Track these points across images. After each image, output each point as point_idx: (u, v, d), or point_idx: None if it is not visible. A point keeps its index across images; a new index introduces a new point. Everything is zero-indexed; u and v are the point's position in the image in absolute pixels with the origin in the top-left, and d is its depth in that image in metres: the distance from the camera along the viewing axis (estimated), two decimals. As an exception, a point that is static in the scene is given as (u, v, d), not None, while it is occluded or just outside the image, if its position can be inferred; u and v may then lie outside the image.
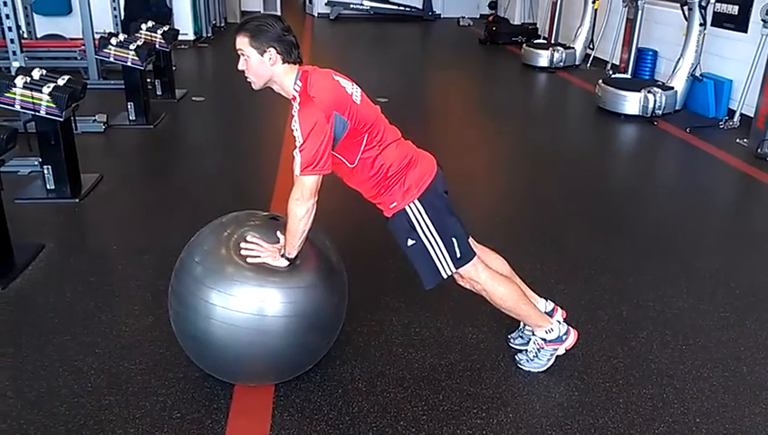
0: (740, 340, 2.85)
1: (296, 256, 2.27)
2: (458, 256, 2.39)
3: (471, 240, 2.60)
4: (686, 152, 5.83)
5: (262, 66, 2.26)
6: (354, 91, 2.34)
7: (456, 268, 2.41)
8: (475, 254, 2.45)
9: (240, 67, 2.30)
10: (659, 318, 3.01)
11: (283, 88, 2.30)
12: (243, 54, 2.26)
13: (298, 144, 2.17)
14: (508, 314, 2.56)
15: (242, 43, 2.24)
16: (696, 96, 6.74)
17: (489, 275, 2.47)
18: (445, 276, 2.41)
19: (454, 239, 2.39)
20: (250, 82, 2.33)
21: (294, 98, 2.23)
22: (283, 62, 2.26)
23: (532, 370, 2.58)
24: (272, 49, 2.23)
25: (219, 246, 2.30)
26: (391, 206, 2.38)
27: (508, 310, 2.52)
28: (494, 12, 13.61)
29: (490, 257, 2.64)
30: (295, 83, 2.25)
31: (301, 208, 2.17)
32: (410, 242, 2.38)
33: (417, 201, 2.36)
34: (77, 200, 4.13)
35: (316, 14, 14.94)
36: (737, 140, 5.82)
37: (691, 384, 2.55)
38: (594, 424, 2.32)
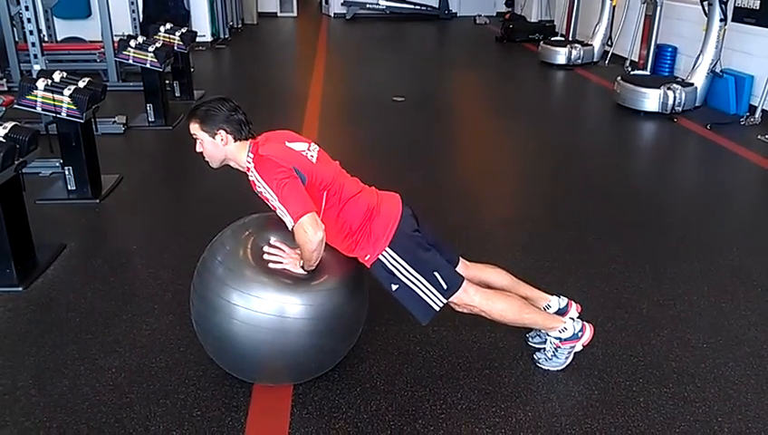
0: (762, 338, 2.82)
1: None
2: (444, 287, 2.40)
3: (462, 262, 2.63)
4: (706, 149, 5.77)
5: (215, 147, 2.37)
6: (310, 151, 2.41)
7: (446, 299, 2.41)
8: (462, 280, 2.45)
9: (197, 150, 2.41)
10: (680, 316, 2.98)
11: (238, 163, 2.40)
12: (197, 138, 2.38)
13: (276, 202, 2.21)
14: (515, 326, 2.55)
15: (194, 128, 2.37)
16: (716, 92, 6.66)
17: (483, 296, 2.46)
18: (437, 309, 2.42)
19: (435, 273, 2.39)
20: (207, 162, 2.43)
21: (249, 169, 2.33)
22: (235, 141, 2.36)
23: (550, 368, 2.56)
24: (222, 131, 2.34)
25: (241, 247, 2.32)
26: (366, 258, 2.41)
27: (511, 323, 2.51)
28: (510, 9, 13.57)
29: (487, 273, 2.65)
30: (247, 156, 2.34)
31: (311, 245, 2.19)
32: (394, 287, 2.40)
33: (388, 248, 2.38)
34: (97, 201, 4.18)
35: (332, 15, 14.97)
36: (758, 137, 5.74)
37: (712, 383, 2.52)
38: (614, 423, 2.30)
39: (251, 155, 2.33)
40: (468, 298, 2.43)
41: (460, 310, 2.49)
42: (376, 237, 2.38)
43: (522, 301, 2.53)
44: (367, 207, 2.41)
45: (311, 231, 2.17)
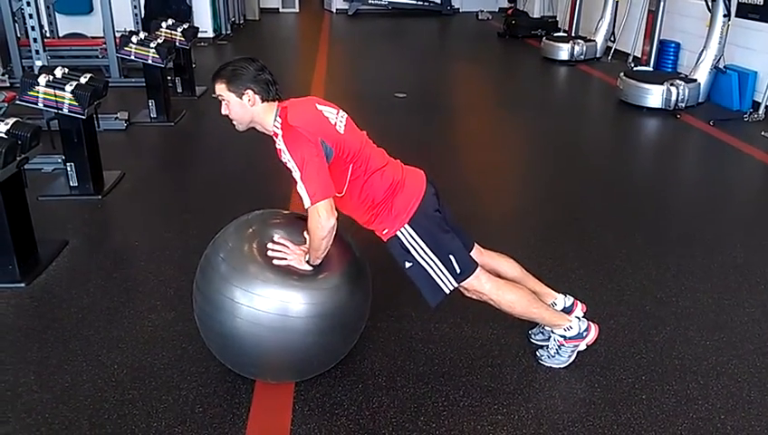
0: (765, 335, 2.81)
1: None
2: (458, 271, 2.39)
3: (477, 248, 2.61)
4: (709, 145, 5.75)
5: (242, 108, 2.30)
6: (339, 120, 2.36)
7: (458, 283, 2.41)
8: (476, 265, 2.44)
9: (223, 112, 2.35)
10: (683, 313, 2.97)
11: (264, 126, 2.33)
12: (222, 100, 2.32)
13: (297, 176, 2.18)
14: (521, 318, 2.55)
15: (220, 89, 2.30)
16: (719, 88, 6.65)
17: (494, 285, 2.45)
18: (447, 292, 2.41)
19: (451, 256, 2.38)
20: (234, 125, 2.38)
21: (276, 134, 2.27)
22: (263, 101, 2.30)
23: (553, 366, 2.56)
24: (249, 90, 2.28)
25: (244, 244, 2.31)
26: (384, 232, 2.40)
27: (519, 315, 2.51)
28: (513, 5, 13.52)
29: (499, 262, 2.64)
30: (275, 120, 2.29)
31: (323, 231, 2.18)
32: (408, 264, 2.39)
33: (407, 225, 2.37)
34: (100, 197, 4.18)
35: (335, 11, 14.93)
36: (762, 133, 5.72)
37: (715, 380, 2.52)
38: (617, 420, 2.30)
39: (279, 120, 2.27)
40: (479, 285, 2.43)
41: (469, 295, 2.48)
42: (397, 213, 2.36)
43: (531, 294, 2.52)
44: (392, 182, 2.38)
45: (324, 216, 2.16)
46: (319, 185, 2.17)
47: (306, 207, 2.19)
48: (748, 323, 2.90)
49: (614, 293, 3.13)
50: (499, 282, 2.48)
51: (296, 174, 2.18)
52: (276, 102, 2.33)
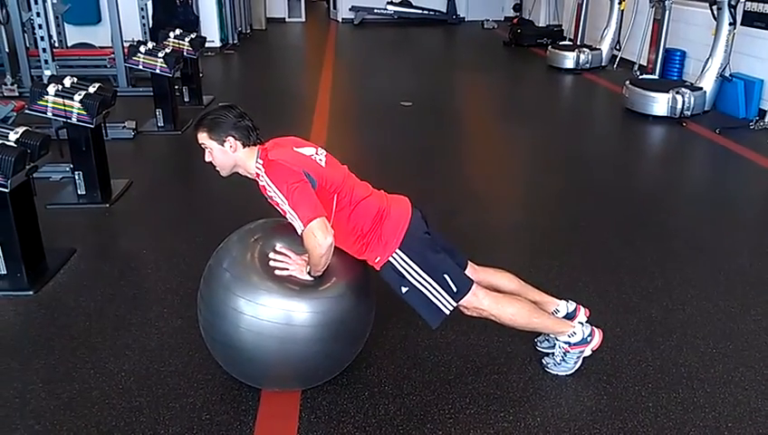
0: (773, 343, 2.80)
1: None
2: (455, 290, 2.40)
3: (471, 266, 2.62)
4: (715, 153, 5.74)
5: (224, 155, 2.36)
6: (318, 156, 2.41)
7: (456, 302, 2.41)
8: (472, 283, 2.45)
9: (206, 159, 2.40)
10: (689, 321, 2.97)
11: (247, 170, 2.39)
12: (206, 148, 2.37)
13: (286, 206, 2.21)
14: (523, 330, 2.55)
15: (202, 138, 2.37)
16: (725, 96, 6.64)
17: (492, 300, 2.46)
18: (447, 313, 2.42)
19: (445, 275, 2.39)
20: (218, 171, 2.43)
21: (258, 175, 2.32)
22: (244, 147, 2.35)
23: (559, 373, 2.56)
24: (230, 138, 2.33)
25: (247, 254, 2.32)
26: (376, 260, 2.42)
27: (521, 327, 2.51)
28: (518, 14, 13.57)
29: (496, 277, 2.65)
30: (256, 162, 2.34)
31: (320, 250, 2.19)
32: (404, 289, 2.40)
33: (398, 250, 2.38)
34: (107, 205, 4.20)
35: (340, 20, 15.00)
36: (768, 141, 5.72)
37: (722, 388, 2.51)
38: (623, 428, 2.29)
39: (260, 160, 2.33)
40: (478, 302, 2.43)
41: (469, 313, 2.49)
42: (386, 240, 2.39)
43: (531, 305, 2.52)
44: (377, 210, 2.41)
45: (320, 235, 2.17)
46: (308, 207, 2.20)
47: (300, 232, 2.20)
48: (755, 332, 2.89)
49: (620, 300, 3.13)
50: (497, 296, 2.49)
51: (284, 205, 2.22)
52: (257, 146, 2.39)
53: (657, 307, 3.07)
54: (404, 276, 2.39)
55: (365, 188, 2.49)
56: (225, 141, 2.33)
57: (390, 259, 2.39)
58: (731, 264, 3.53)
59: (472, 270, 2.61)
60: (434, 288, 2.38)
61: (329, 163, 2.42)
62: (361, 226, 2.39)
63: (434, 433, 2.26)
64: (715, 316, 3.01)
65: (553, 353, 2.59)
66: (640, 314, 3.01)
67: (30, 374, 2.55)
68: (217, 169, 2.42)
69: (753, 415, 2.37)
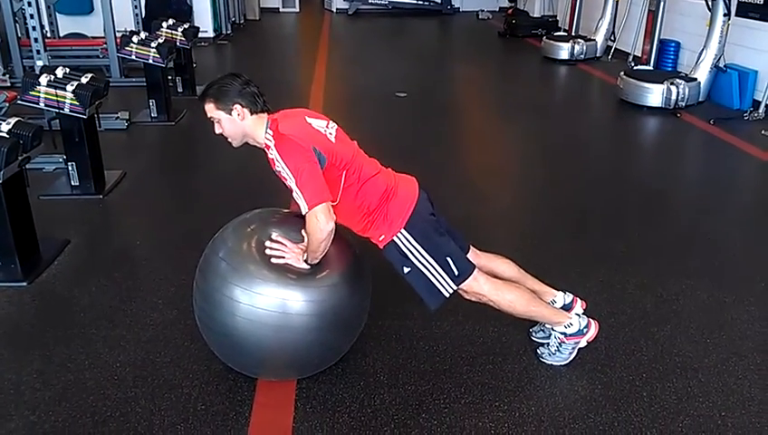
0: (765, 333, 2.82)
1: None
2: (456, 273, 2.40)
3: (473, 251, 2.62)
4: (709, 144, 5.75)
5: (233, 124, 2.33)
6: (329, 130, 2.39)
7: (457, 285, 2.41)
8: (474, 267, 2.45)
9: (216, 131, 2.38)
10: (683, 311, 2.98)
11: (256, 139, 2.36)
12: (214, 119, 2.35)
13: (293, 184, 2.20)
14: (521, 318, 2.55)
15: (209, 108, 2.34)
16: (719, 87, 6.65)
17: (493, 286, 2.46)
18: (447, 295, 2.42)
19: (448, 258, 2.39)
20: (230, 142, 2.40)
21: (267, 146, 2.29)
22: (252, 114, 2.33)
23: (554, 363, 2.57)
24: (237, 105, 2.30)
25: (243, 243, 2.31)
26: (380, 238, 2.41)
27: (519, 315, 2.52)
28: (513, 4, 13.51)
29: (495, 263, 2.65)
30: (266, 132, 2.31)
31: (321, 234, 2.19)
32: (406, 269, 2.40)
33: (403, 230, 2.38)
34: (101, 196, 4.18)
35: (335, 10, 14.93)
36: (762, 132, 5.72)
37: (716, 378, 2.52)
38: (617, 418, 2.30)
39: (270, 132, 2.29)
40: (478, 286, 2.43)
41: (468, 298, 2.49)
42: (392, 219, 2.38)
43: (530, 293, 2.53)
44: (385, 188, 2.40)
45: (323, 220, 2.17)
46: (315, 190, 2.19)
47: (304, 212, 2.20)
48: (748, 321, 2.90)
49: (615, 291, 3.14)
50: (497, 283, 2.49)
51: (291, 182, 2.21)
52: (266, 114, 2.36)
53: (651, 297, 3.08)
54: (407, 256, 2.38)
55: (374, 166, 2.47)
56: (232, 110, 2.30)
57: (395, 238, 2.38)
58: (724, 254, 3.55)
59: (473, 255, 2.61)
60: (436, 270, 2.38)
61: (339, 138, 2.40)
62: (368, 203, 2.37)
63: (429, 422, 2.27)
64: (708, 306, 3.03)
65: (548, 343, 2.60)
66: (634, 304, 3.02)
67: (24, 365, 2.54)
68: (229, 139, 2.39)
69: (746, 404, 2.38)
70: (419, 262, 2.38)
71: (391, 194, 2.41)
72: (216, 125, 2.36)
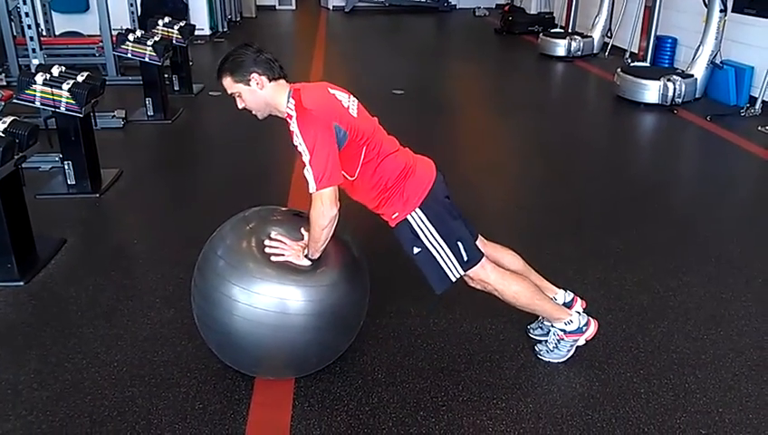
0: (762, 329, 2.82)
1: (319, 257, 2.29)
2: (465, 259, 2.39)
3: (481, 239, 2.61)
4: (706, 140, 5.76)
5: (253, 95, 2.30)
6: (351, 103, 2.36)
7: (464, 271, 2.41)
8: (482, 255, 2.45)
9: (239, 106, 2.35)
10: (681, 308, 2.98)
11: (277, 108, 2.32)
12: (234, 94, 2.31)
13: (306, 159, 2.17)
14: (523, 310, 2.55)
15: (227, 83, 2.30)
16: (716, 84, 6.65)
17: (499, 275, 2.46)
18: (453, 280, 2.41)
19: (459, 243, 2.39)
20: (256, 116, 2.37)
21: (290, 116, 2.24)
22: (270, 81, 2.29)
23: (552, 360, 2.57)
24: (254, 74, 2.27)
25: (242, 242, 2.31)
26: (393, 216, 2.40)
27: (522, 307, 2.51)
28: (510, 1, 13.51)
29: (502, 254, 2.64)
30: (288, 101, 2.27)
31: (324, 219, 2.18)
32: (416, 250, 2.39)
33: (418, 210, 2.37)
34: (97, 195, 4.17)
35: (331, 7, 14.91)
36: (759, 128, 5.74)
37: (713, 374, 2.53)
38: (615, 414, 2.31)
39: (292, 101, 2.25)
40: (485, 274, 2.43)
41: (473, 285, 2.48)
42: (408, 197, 2.37)
43: (535, 286, 2.53)
44: (404, 166, 2.38)
45: (327, 204, 2.16)
46: (326, 170, 2.16)
47: (311, 191, 2.18)
48: (745, 318, 2.91)
49: (612, 287, 3.14)
50: (504, 272, 2.49)
51: (305, 157, 2.17)
52: (286, 82, 2.33)
53: (648, 294, 3.09)
54: (418, 237, 2.37)
55: (393, 144, 2.45)
56: (250, 80, 2.27)
57: (408, 217, 2.37)
58: (721, 250, 3.55)
59: (481, 244, 2.60)
60: (446, 253, 2.37)
61: (360, 113, 2.37)
62: (386, 180, 2.36)
63: (427, 420, 2.27)
64: (705, 303, 3.03)
65: (546, 341, 2.60)
66: (632, 301, 3.03)
67: (21, 365, 2.54)
68: (254, 113, 2.36)
69: (743, 400, 2.39)
70: (430, 243, 2.37)
71: (409, 173, 2.39)
72: (238, 100, 2.32)
